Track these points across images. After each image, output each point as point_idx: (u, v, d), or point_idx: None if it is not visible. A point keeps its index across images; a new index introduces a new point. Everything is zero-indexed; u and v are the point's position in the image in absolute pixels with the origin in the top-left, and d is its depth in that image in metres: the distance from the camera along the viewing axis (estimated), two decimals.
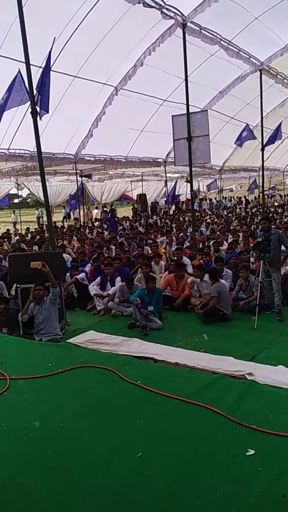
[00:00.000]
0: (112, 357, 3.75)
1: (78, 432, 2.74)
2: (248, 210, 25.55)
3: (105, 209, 26.16)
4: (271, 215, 18.70)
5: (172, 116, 10.15)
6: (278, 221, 16.24)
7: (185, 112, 9.71)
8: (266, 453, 2.33)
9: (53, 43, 6.51)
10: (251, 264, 9.11)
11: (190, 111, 9.77)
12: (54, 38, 6.82)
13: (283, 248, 7.44)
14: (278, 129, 14.29)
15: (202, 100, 14.27)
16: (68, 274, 8.69)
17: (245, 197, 31.43)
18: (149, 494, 2.12)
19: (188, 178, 10.46)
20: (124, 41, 10.44)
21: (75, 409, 3.02)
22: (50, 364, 3.80)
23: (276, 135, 14.24)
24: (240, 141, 14.29)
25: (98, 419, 2.88)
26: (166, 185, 18.79)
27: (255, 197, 30.37)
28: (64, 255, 10.20)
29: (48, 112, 6.64)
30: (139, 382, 3.17)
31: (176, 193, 23.00)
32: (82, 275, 8.74)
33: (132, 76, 11.17)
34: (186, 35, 9.88)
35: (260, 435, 2.50)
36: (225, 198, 32.17)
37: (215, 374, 3.29)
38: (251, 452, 2.33)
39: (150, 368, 3.54)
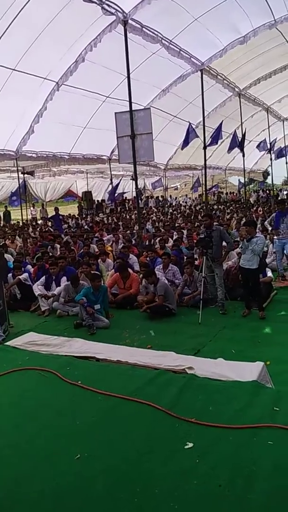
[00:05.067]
0: (53, 358, 3.65)
1: (14, 438, 2.63)
2: (192, 207, 26.16)
3: None
4: (214, 212, 19.26)
5: (115, 113, 10.10)
6: (221, 218, 16.74)
7: (128, 109, 9.70)
8: (203, 445, 2.37)
9: None
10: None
11: (133, 108, 9.77)
12: None
13: (224, 244, 7.66)
14: (219, 129, 14.68)
15: (145, 98, 14.37)
16: (10, 274, 8.41)
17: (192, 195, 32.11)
18: (87, 496, 2.08)
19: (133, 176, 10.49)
20: (64, 35, 10.24)
21: (13, 414, 2.91)
22: None
23: (218, 135, 14.63)
24: (184, 142, 14.55)
25: (37, 423, 2.79)
26: (111, 182, 18.75)
27: (199, 195, 31.12)
28: (6, 255, 9.85)
29: None
30: (79, 382, 3.12)
31: (121, 191, 22.96)
32: (25, 275, 8.49)
33: (73, 72, 11.00)
34: (128, 32, 9.86)
35: (199, 428, 2.54)
36: (171, 196, 32.68)
37: (156, 370, 3.30)
38: (190, 445, 2.36)
39: (91, 367, 3.49)
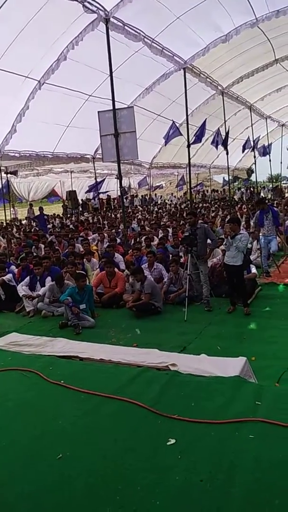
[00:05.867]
0: (35, 358, 3.62)
1: None
2: (177, 206, 26.28)
3: None
4: (199, 210, 19.35)
5: (98, 112, 10.07)
6: (205, 216, 16.84)
7: (111, 108, 9.67)
8: (186, 441, 2.37)
9: None
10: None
11: (116, 107, 9.75)
12: None
13: (209, 241, 7.70)
14: (203, 127, 14.69)
15: (128, 97, 14.34)
16: None
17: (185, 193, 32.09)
18: (68, 496, 2.06)
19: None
20: (46, 33, 10.13)
21: None
22: None
23: (201, 135, 14.65)
24: (166, 138, 14.54)
25: (19, 423, 2.76)
26: (96, 181, 18.68)
27: (183, 193, 31.24)
28: None
29: None
30: (62, 381, 3.09)
31: (105, 190, 22.80)
32: (9, 276, 8.40)
33: (55, 70, 10.89)
34: (110, 30, 9.82)
35: (182, 424, 2.54)
36: (156, 195, 32.74)
37: (140, 367, 3.30)
38: (172, 441, 2.36)
39: (74, 366, 3.46)
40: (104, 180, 20.77)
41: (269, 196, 28.48)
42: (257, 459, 2.19)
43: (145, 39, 11.32)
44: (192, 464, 2.17)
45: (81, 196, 25.61)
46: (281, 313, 6.71)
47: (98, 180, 19.13)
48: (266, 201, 10.72)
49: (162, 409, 2.66)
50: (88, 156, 16.59)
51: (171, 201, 32.42)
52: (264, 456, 2.20)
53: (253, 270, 7.97)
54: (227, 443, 2.34)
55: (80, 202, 24.95)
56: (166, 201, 33.26)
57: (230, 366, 3.30)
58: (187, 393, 2.86)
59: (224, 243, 7.36)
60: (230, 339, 5.91)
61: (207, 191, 33.59)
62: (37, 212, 20.62)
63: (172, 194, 34.88)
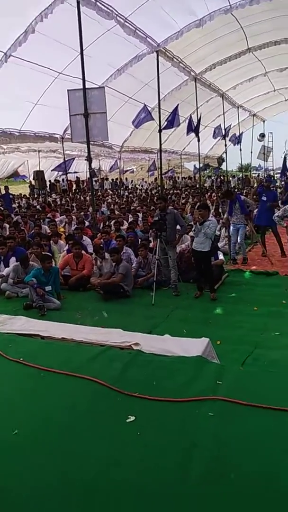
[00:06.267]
0: None
1: None
2: (148, 191, 26.22)
3: None
4: (170, 196, 19.37)
5: (68, 90, 9.78)
6: (176, 202, 16.88)
7: (81, 87, 9.41)
8: (146, 419, 2.34)
9: None
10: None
11: (87, 86, 9.50)
12: None
13: (178, 227, 7.71)
14: (175, 112, 14.55)
15: (99, 77, 14.03)
16: None
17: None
18: (22, 471, 2.00)
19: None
20: (13, 2, 9.64)
21: None
22: None
23: (173, 120, 14.52)
24: (137, 122, 14.36)
25: None
26: (64, 162, 18.28)
27: (154, 179, 31.18)
28: None
29: None
30: (21, 359, 3.01)
31: (74, 171, 22.38)
32: None
33: (23, 43, 10.44)
34: (81, 5, 9.47)
35: (142, 402, 2.51)
36: (127, 179, 32.49)
37: (102, 346, 3.26)
38: (132, 418, 2.33)
39: (34, 344, 3.38)
40: (73, 160, 20.30)
41: (237, 184, 28.89)
42: (215, 436, 2.19)
43: (118, 18, 11.03)
44: (152, 441, 2.15)
45: (48, 176, 24.98)
46: (247, 299, 6.85)
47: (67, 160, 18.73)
48: (235, 191, 10.84)
49: (123, 387, 2.62)
50: (56, 136, 16.18)
51: (142, 186, 32.28)
52: (222, 433, 2.21)
53: (221, 256, 8.08)
54: (187, 421, 2.34)
55: (48, 183, 24.36)
56: (137, 186, 33.08)
57: (193, 347, 3.31)
58: (149, 372, 2.84)
59: (193, 229, 7.41)
60: (197, 323, 5.99)
61: (178, 177, 33.65)
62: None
63: (143, 179, 34.72)
